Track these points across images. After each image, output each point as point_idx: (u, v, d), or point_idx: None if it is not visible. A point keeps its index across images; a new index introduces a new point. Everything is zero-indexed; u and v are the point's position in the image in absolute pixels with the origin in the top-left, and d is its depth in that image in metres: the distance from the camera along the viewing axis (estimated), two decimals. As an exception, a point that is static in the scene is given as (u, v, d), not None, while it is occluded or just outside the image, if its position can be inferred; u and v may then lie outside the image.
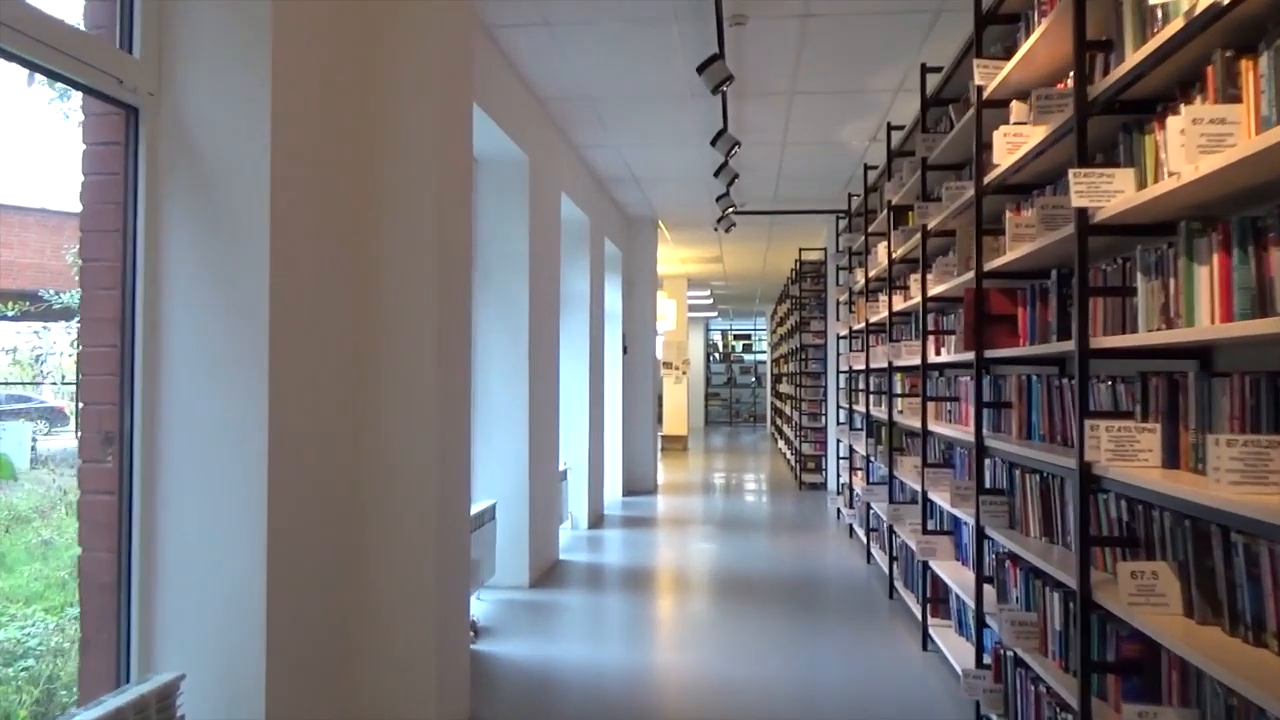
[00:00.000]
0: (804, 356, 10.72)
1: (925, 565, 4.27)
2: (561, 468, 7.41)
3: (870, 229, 6.23)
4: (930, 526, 4.35)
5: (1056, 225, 2.61)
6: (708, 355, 24.38)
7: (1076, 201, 2.26)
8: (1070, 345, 2.53)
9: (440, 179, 3.08)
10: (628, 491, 9.77)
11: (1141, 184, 2.23)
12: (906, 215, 5.13)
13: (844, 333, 7.81)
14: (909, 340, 4.77)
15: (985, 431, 3.43)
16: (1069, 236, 2.48)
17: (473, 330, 5.44)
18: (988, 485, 3.37)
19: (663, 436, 15.85)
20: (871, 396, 6.34)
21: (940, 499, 3.97)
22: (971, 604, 3.50)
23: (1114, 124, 2.44)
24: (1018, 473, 3.15)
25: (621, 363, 9.56)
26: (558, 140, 6.28)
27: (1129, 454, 2.19)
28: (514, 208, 5.44)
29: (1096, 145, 2.59)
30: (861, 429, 6.99)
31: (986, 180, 3.29)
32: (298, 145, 2.63)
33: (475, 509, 4.89)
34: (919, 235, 4.43)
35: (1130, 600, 2.08)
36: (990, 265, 3.25)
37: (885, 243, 5.53)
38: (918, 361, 4.50)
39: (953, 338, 4.17)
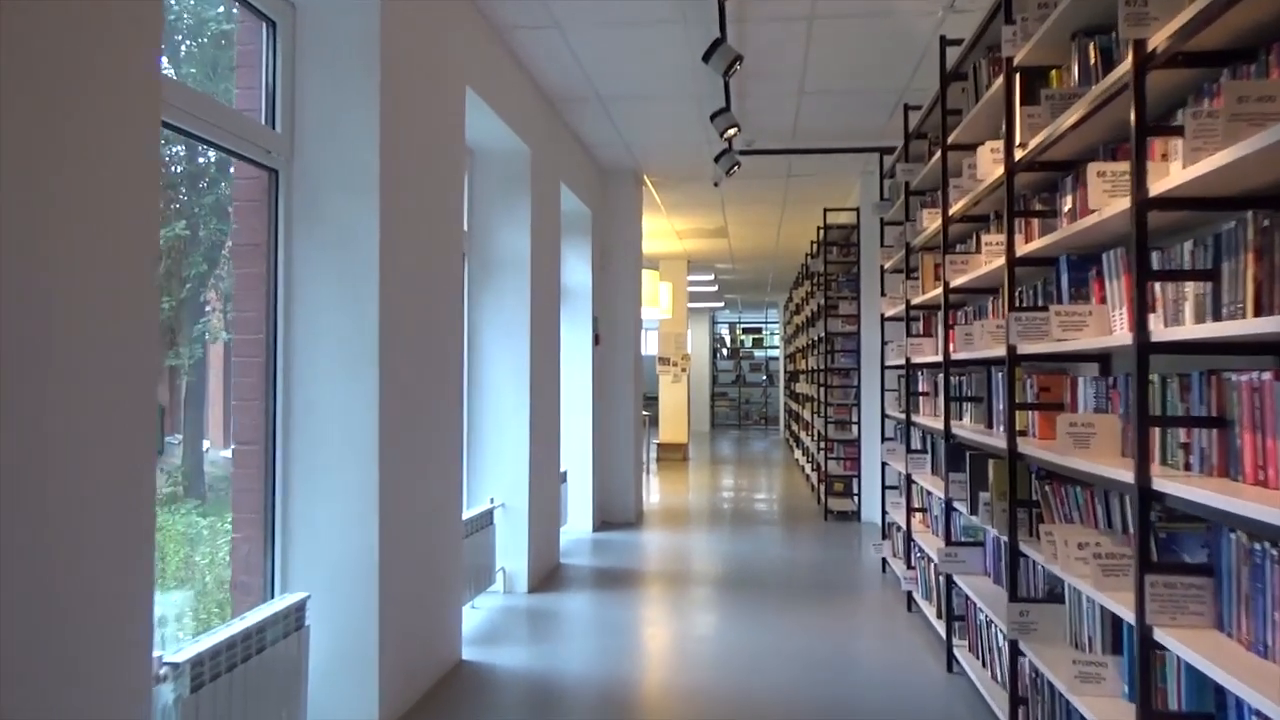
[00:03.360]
0: (829, 348, 8.39)
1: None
2: (489, 506, 5.14)
3: (951, 139, 3.91)
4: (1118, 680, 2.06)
5: None
6: (714, 351, 22.07)
7: None
8: None
9: None
10: (602, 524, 7.47)
11: None
12: (1047, 76, 2.82)
13: (893, 311, 5.50)
14: (1064, 306, 2.47)
15: None
16: None
17: (277, 305, 3.12)
18: None
19: (659, 444, 13.56)
20: (953, 405, 4.05)
21: (1213, 666, 1.68)
22: None
23: None
24: None
25: (591, 357, 7.25)
26: None
27: None
28: (352, 87, 3.15)
29: None
30: (927, 451, 4.69)
31: None
32: None
33: (245, 624, 2.60)
34: (1126, 71, 2.12)
35: None
36: None
37: (994, 144, 3.24)
38: (1104, 342, 2.20)
39: (1190, 291, 1.89)
